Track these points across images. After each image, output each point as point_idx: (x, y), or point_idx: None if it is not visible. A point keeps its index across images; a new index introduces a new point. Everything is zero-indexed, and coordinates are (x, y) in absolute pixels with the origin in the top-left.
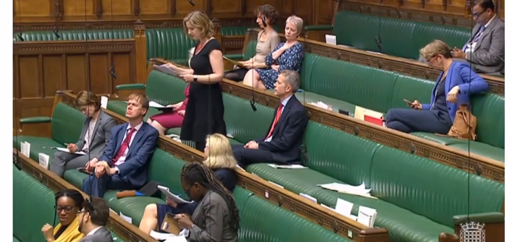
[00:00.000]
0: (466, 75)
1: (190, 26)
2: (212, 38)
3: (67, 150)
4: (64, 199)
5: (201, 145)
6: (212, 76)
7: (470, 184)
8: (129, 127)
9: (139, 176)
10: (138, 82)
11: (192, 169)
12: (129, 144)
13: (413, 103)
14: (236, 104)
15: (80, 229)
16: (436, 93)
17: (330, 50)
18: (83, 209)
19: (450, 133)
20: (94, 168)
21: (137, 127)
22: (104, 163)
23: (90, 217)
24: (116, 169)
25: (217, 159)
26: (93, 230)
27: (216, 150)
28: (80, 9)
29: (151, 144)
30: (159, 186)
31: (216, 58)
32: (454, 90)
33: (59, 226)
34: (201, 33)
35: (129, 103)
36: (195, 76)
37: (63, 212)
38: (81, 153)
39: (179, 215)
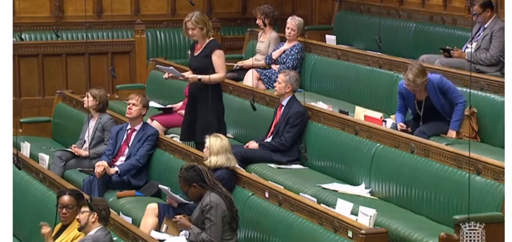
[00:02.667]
0: (444, 87)
1: (192, 26)
2: (212, 38)
3: (69, 149)
4: (66, 198)
5: (202, 146)
6: (215, 76)
7: (470, 184)
8: (129, 127)
9: (139, 176)
10: (138, 82)
11: (190, 170)
12: (129, 144)
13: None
14: (236, 104)
15: (81, 229)
16: (422, 111)
17: (330, 50)
18: (87, 209)
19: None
20: (94, 167)
21: (137, 127)
22: (104, 163)
23: (97, 217)
24: (116, 169)
25: (219, 158)
26: (94, 230)
27: (217, 149)
28: (80, 9)
29: (151, 144)
30: (160, 186)
31: (218, 58)
32: (454, 134)
33: (59, 225)
34: (202, 33)
35: (129, 103)
36: (199, 76)
37: (64, 211)
38: (85, 152)
39: (178, 217)
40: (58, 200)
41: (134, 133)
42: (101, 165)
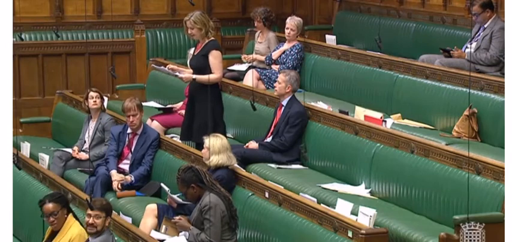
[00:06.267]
0: None
1: (191, 26)
2: (212, 38)
3: (68, 149)
4: (49, 205)
5: (200, 146)
6: (211, 76)
7: (470, 184)
8: (129, 130)
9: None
10: (138, 82)
11: (187, 172)
12: (132, 149)
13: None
14: (236, 104)
15: (95, 233)
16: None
17: (330, 50)
18: (103, 214)
19: (454, 134)
20: (94, 168)
21: (138, 131)
22: (118, 177)
23: (109, 221)
24: (132, 178)
25: (220, 158)
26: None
27: (218, 148)
28: (80, 9)
29: (155, 151)
30: (162, 184)
31: (215, 58)
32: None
33: (49, 230)
34: (201, 33)
35: (129, 116)
36: (194, 76)
37: (51, 219)
38: (85, 156)
39: (177, 218)
40: (42, 210)
41: (136, 138)
42: (117, 181)
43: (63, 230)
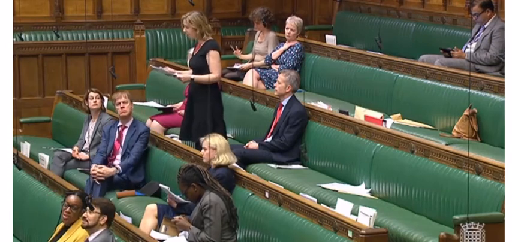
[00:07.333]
0: None
1: (186, 24)
2: (210, 38)
3: (68, 150)
4: (72, 198)
5: (200, 146)
6: (208, 76)
7: (470, 184)
8: (119, 124)
9: (136, 172)
10: (138, 82)
11: (188, 171)
12: (122, 143)
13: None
14: (236, 104)
15: (86, 228)
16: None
17: (330, 50)
18: (98, 210)
19: (454, 134)
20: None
21: (128, 124)
22: (100, 169)
23: (107, 219)
24: (115, 169)
25: (227, 156)
26: (98, 231)
27: (225, 147)
28: (80, 9)
29: (144, 143)
30: (161, 185)
31: (213, 58)
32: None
33: (61, 226)
34: (196, 33)
35: (119, 103)
36: (192, 76)
37: (68, 210)
38: (85, 156)
39: (177, 217)
40: (65, 199)
41: (125, 130)
42: (98, 173)
43: (72, 228)
